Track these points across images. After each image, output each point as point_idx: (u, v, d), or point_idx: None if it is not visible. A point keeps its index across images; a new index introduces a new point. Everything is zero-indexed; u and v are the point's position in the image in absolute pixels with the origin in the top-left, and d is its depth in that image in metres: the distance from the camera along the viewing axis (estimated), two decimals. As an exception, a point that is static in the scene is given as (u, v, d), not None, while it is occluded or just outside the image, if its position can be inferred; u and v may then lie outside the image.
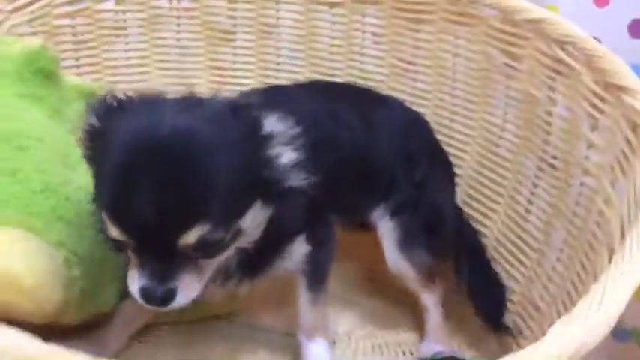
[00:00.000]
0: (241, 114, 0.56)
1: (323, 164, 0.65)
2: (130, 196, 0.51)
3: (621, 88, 0.68)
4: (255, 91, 0.87)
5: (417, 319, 0.86)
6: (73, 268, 0.58)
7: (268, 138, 0.57)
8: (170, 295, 0.54)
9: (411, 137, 0.86)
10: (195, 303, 0.79)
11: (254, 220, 0.59)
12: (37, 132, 0.66)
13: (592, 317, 0.47)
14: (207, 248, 0.55)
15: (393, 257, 0.80)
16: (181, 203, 0.52)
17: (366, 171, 0.79)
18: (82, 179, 0.67)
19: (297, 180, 0.59)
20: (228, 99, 0.60)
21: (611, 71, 0.70)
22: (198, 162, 0.52)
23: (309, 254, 0.70)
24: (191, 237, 0.52)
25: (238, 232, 0.58)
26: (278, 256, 0.68)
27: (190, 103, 0.57)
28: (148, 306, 0.55)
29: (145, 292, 0.54)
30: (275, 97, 0.81)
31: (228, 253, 0.60)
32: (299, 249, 0.69)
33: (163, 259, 0.54)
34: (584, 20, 0.78)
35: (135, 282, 0.55)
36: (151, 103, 0.57)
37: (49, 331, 0.47)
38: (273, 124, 0.57)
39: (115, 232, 0.53)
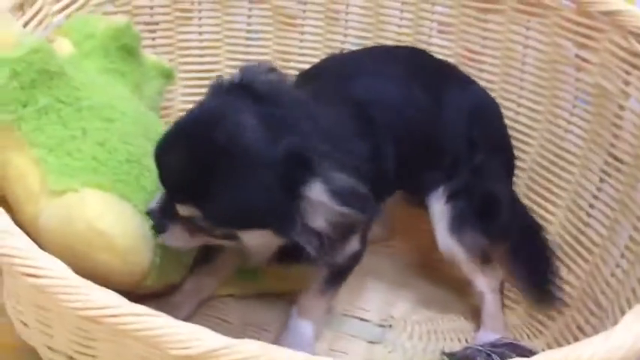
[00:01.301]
0: (291, 160, 0.58)
1: (393, 137, 0.66)
2: (163, 157, 0.61)
3: (701, 83, 0.67)
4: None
5: (474, 308, 0.86)
6: (156, 235, 0.62)
7: (303, 199, 0.58)
8: (162, 229, 0.63)
9: (478, 122, 0.84)
10: (254, 277, 0.82)
11: (257, 239, 0.63)
12: (121, 105, 0.70)
13: (668, 307, 0.47)
14: (194, 225, 0.62)
15: (444, 238, 0.79)
16: (185, 182, 0.60)
17: (432, 148, 0.80)
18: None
19: (322, 223, 0.59)
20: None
21: (691, 65, 0.68)
22: (224, 163, 0.58)
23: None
24: (181, 210, 0.61)
25: (233, 237, 0.63)
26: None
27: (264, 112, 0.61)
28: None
29: (149, 213, 0.63)
30: (348, 68, 0.82)
31: (223, 243, 0.65)
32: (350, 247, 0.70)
33: (172, 204, 0.62)
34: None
35: (151, 203, 0.64)
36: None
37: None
38: (316, 193, 0.58)
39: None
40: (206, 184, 0.58)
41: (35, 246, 0.50)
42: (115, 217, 0.57)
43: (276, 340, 0.75)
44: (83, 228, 0.55)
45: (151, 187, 0.64)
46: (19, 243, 0.49)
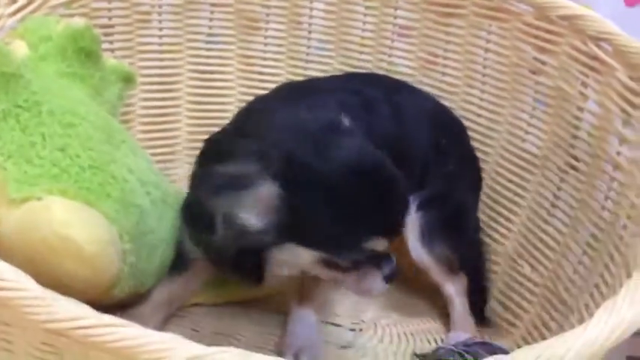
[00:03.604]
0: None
1: None
2: (389, 213, 0.65)
3: (657, 84, 0.69)
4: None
5: (443, 311, 0.87)
6: (124, 242, 0.60)
7: None
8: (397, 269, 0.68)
9: (441, 128, 0.87)
10: (224, 285, 0.81)
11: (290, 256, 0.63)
12: (82, 110, 0.67)
13: (638, 299, 0.48)
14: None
15: (415, 248, 0.82)
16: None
17: (400, 157, 0.80)
18: (123, 158, 0.68)
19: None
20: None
21: (647, 67, 0.71)
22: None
23: None
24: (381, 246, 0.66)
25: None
26: None
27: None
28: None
29: (389, 276, 0.66)
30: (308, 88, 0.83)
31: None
32: None
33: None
34: (615, 20, 0.79)
35: (378, 276, 0.66)
36: None
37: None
38: None
39: (380, 244, 0.64)
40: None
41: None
42: (81, 223, 0.54)
43: (285, 334, 0.76)
44: (48, 235, 0.53)
45: (115, 194, 0.61)
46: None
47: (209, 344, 0.44)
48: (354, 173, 0.61)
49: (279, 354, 0.72)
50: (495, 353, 0.67)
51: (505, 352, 0.68)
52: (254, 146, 0.61)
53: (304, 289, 0.78)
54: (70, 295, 0.45)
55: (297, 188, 0.58)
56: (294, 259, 0.63)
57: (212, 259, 0.70)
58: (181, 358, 0.43)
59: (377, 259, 0.65)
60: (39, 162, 0.58)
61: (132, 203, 0.63)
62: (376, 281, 0.66)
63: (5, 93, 0.60)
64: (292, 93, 0.85)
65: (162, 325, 0.75)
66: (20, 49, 0.69)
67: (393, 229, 0.66)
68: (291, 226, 0.59)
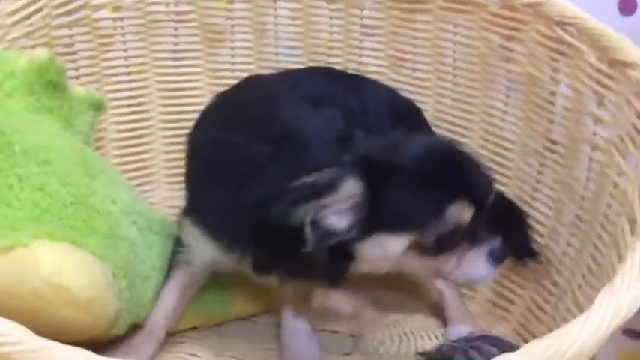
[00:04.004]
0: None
1: None
2: (469, 178, 0.63)
3: (626, 64, 0.70)
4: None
5: (436, 306, 0.88)
6: (119, 278, 0.58)
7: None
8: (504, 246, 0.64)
9: (398, 117, 0.86)
10: (221, 304, 0.80)
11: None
12: (56, 144, 0.65)
13: (635, 284, 0.49)
14: None
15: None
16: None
17: None
18: (104, 189, 0.66)
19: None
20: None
21: (615, 48, 0.72)
22: None
23: None
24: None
25: None
26: None
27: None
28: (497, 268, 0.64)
29: (495, 253, 0.62)
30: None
31: None
32: None
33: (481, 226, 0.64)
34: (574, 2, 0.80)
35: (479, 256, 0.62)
36: None
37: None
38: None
39: (465, 210, 0.61)
40: None
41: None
42: (73, 268, 0.53)
43: (281, 348, 0.76)
44: (40, 286, 0.51)
45: (101, 228, 0.60)
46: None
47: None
48: (429, 157, 0.61)
49: None
50: (498, 345, 0.69)
51: (508, 343, 0.69)
52: (321, 157, 0.60)
53: (296, 300, 0.77)
54: (70, 340, 0.44)
55: (379, 180, 0.58)
56: (383, 251, 0.60)
57: (282, 271, 0.67)
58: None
59: (475, 238, 0.62)
60: (19, 205, 0.57)
61: (119, 236, 0.62)
62: (478, 264, 0.62)
63: (-26, 136, 0.58)
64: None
65: (157, 355, 0.73)
66: (-16, 88, 0.67)
67: (476, 192, 0.62)
68: (376, 216, 0.58)
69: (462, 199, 0.60)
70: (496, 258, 0.62)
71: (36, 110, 0.70)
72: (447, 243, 0.60)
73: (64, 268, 0.52)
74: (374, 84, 0.92)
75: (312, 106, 0.68)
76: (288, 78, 0.87)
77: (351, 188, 0.58)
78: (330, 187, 0.57)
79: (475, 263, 0.61)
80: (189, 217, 0.70)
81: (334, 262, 0.61)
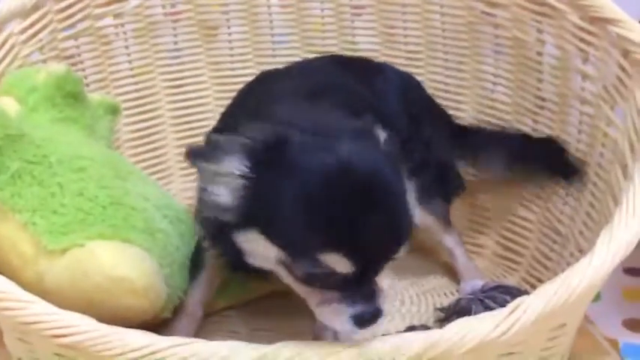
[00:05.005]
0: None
1: None
2: (362, 227, 0.51)
3: (607, 20, 0.75)
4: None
5: (447, 266, 0.93)
6: (163, 267, 0.63)
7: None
8: (379, 313, 0.55)
9: (409, 98, 0.92)
10: (248, 283, 0.85)
11: None
12: (85, 152, 0.70)
13: (631, 222, 0.55)
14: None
15: (417, 213, 0.85)
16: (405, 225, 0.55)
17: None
18: (135, 188, 0.71)
19: None
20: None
21: (594, 6, 0.77)
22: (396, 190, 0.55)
23: None
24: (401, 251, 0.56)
25: None
26: None
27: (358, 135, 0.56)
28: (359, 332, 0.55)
29: (360, 318, 0.54)
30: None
31: None
32: None
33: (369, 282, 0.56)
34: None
35: (343, 312, 0.54)
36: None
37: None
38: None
39: (340, 263, 0.52)
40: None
41: (55, 308, 0.50)
42: (128, 261, 0.58)
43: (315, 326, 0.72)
44: (101, 281, 0.57)
45: (139, 224, 0.65)
46: (42, 308, 0.50)
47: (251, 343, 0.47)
48: (331, 184, 0.52)
49: (317, 338, 0.75)
50: (511, 293, 0.74)
51: (519, 289, 0.74)
52: (251, 123, 0.56)
53: None
54: (129, 325, 0.50)
55: (267, 173, 0.52)
56: (260, 250, 0.56)
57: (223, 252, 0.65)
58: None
59: (351, 294, 0.54)
60: (63, 210, 0.61)
61: (156, 229, 0.67)
62: (339, 318, 0.54)
63: (14, 152, 0.62)
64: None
65: (197, 334, 0.78)
66: (10, 105, 0.71)
67: (362, 252, 0.52)
68: (257, 211, 0.53)
69: (337, 252, 0.51)
70: (360, 323, 0.54)
71: (60, 121, 0.74)
72: (318, 280, 0.54)
73: (120, 262, 0.58)
74: (384, 67, 0.95)
75: (311, 98, 0.68)
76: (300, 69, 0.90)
77: (232, 165, 0.52)
78: (216, 155, 0.53)
79: (338, 316, 0.54)
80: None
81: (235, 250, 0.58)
